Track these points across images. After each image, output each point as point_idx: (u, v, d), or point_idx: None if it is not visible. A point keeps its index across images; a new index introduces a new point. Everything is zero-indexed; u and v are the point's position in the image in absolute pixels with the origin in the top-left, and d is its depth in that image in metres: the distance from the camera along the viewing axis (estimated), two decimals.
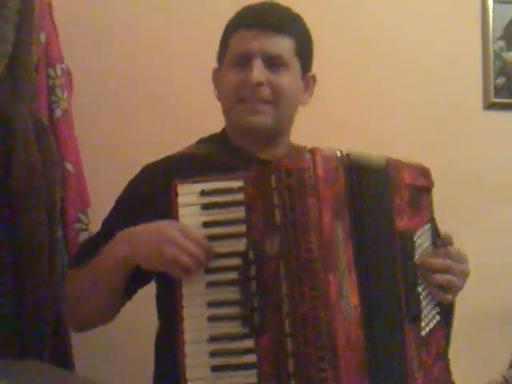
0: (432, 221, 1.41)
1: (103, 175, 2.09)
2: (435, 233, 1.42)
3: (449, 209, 2.30)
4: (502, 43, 2.42)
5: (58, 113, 1.86)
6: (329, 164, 1.26)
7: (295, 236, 1.22)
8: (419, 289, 1.33)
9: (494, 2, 2.41)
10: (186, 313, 1.26)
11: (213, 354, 1.24)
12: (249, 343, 1.24)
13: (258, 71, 1.43)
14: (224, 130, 1.56)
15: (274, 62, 1.44)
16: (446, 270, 1.35)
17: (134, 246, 1.31)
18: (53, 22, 1.89)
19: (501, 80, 2.42)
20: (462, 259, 1.38)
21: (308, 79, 1.54)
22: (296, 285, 1.21)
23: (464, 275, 1.38)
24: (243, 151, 1.50)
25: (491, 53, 2.40)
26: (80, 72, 2.01)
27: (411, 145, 2.32)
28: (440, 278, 1.35)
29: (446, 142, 2.36)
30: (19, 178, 1.64)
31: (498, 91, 2.41)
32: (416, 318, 1.31)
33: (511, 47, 2.43)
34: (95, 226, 1.86)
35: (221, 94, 1.52)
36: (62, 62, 1.89)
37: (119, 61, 2.15)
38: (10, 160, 1.64)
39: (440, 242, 1.40)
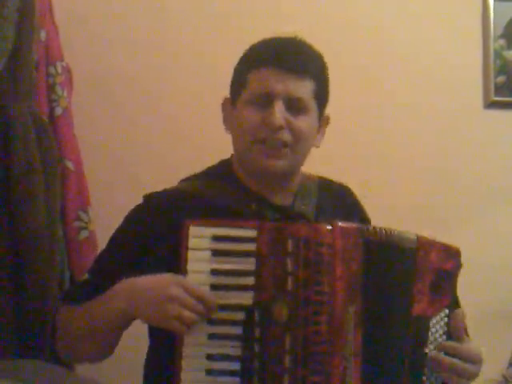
0: (451, 305, 1.35)
1: (103, 173, 2.09)
2: (451, 318, 1.35)
3: (449, 208, 2.31)
4: (502, 42, 2.42)
5: (58, 111, 1.86)
6: (349, 240, 1.24)
7: (305, 314, 1.21)
8: (424, 378, 1.30)
9: (494, 1, 2.40)
10: (184, 363, 1.22)
11: None
12: None
13: (281, 114, 1.38)
14: (230, 162, 1.51)
15: (294, 105, 1.40)
16: (454, 371, 1.30)
17: (134, 304, 1.27)
18: (53, 20, 1.89)
19: (501, 78, 2.42)
20: (474, 359, 1.32)
21: (322, 121, 1.50)
22: (299, 365, 1.20)
23: (472, 377, 1.32)
24: (254, 192, 1.45)
25: (492, 51, 2.40)
26: (80, 70, 2.01)
27: (411, 143, 2.33)
28: (447, 375, 1.30)
29: (447, 141, 2.36)
30: (19, 176, 1.63)
31: (499, 90, 2.41)
32: None
33: None
34: (95, 225, 1.87)
35: (234, 130, 1.46)
36: (62, 60, 1.89)
37: (119, 59, 2.15)
38: (9, 158, 1.63)
39: (454, 332, 1.33)
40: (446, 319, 1.34)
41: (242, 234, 1.25)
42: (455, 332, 1.33)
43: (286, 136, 1.39)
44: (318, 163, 1.55)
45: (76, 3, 2.10)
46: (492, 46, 2.40)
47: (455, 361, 1.30)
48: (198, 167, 1.52)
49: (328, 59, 1.47)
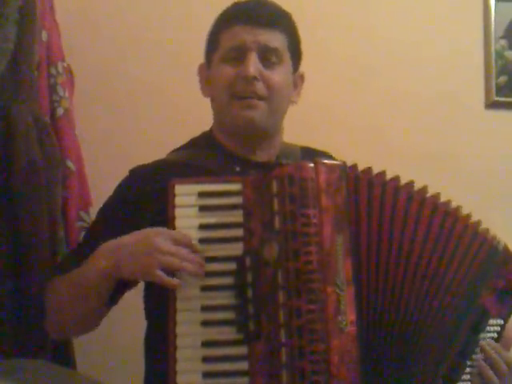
0: (506, 319, 1.37)
1: (105, 173, 2.09)
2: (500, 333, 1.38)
3: None
4: (503, 42, 2.42)
5: (60, 111, 1.86)
6: (331, 175, 1.25)
7: (295, 246, 1.21)
8: (468, 362, 1.31)
9: (496, 1, 2.40)
10: (179, 317, 1.22)
11: (205, 360, 1.21)
12: (242, 350, 1.21)
13: (254, 65, 1.40)
14: (211, 131, 1.53)
15: (268, 58, 1.42)
16: (496, 369, 1.31)
17: (118, 260, 1.26)
18: (54, 20, 1.89)
19: (502, 79, 2.42)
20: None
21: (297, 78, 1.52)
22: (293, 296, 1.20)
23: None
24: (236, 155, 1.47)
25: (493, 52, 2.40)
26: (81, 70, 2.01)
27: (413, 143, 2.32)
28: (488, 373, 1.31)
29: (448, 141, 2.36)
30: (21, 177, 1.63)
31: (500, 90, 2.41)
32: (451, 381, 1.30)
33: None
34: None
35: (212, 90, 1.48)
36: (64, 61, 1.89)
37: (120, 59, 2.16)
38: (11, 159, 1.63)
39: (504, 342, 1.36)
40: (498, 328, 1.35)
41: (228, 188, 1.27)
42: (505, 343, 1.35)
43: (260, 88, 1.41)
44: None
45: (77, 2, 2.11)
46: (493, 46, 2.40)
47: (500, 360, 1.31)
48: None
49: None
